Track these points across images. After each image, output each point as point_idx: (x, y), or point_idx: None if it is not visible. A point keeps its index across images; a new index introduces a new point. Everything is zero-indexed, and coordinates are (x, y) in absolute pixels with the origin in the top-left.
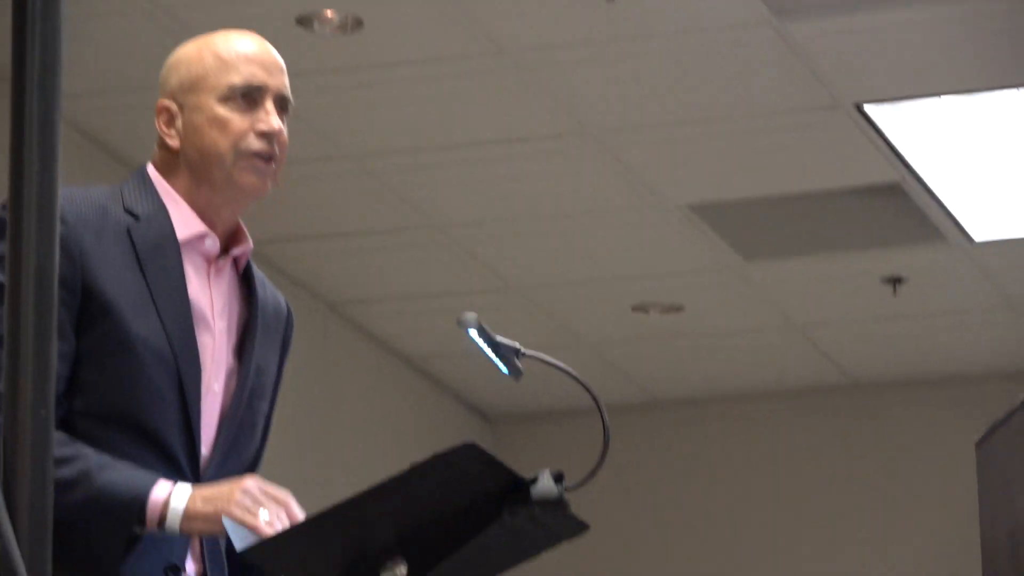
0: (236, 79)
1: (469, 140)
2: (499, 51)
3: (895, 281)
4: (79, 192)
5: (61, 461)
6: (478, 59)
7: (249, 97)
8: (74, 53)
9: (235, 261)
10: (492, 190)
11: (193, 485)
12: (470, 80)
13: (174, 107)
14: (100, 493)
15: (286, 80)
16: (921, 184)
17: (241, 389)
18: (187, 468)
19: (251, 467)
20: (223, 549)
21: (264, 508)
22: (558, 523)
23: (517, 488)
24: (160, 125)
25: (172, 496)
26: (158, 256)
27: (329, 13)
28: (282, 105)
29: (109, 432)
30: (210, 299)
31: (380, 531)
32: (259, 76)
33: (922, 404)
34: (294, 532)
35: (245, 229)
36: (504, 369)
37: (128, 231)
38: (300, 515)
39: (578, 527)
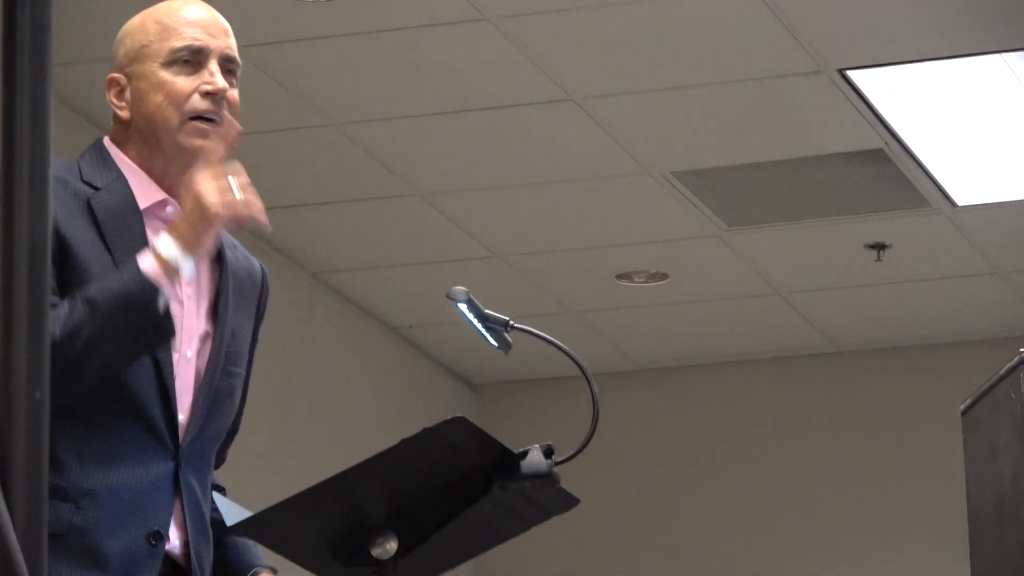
0: (178, 43)
1: (452, 107)
2: (481, 17)
3: (879, 247)
4: None
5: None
6: (461, 26)
7: (193, 60)
8: (60, 23)
9: None
10: (476, 158)
11: (168, 233)
12: (453, 47)
13: (123, 79)
14: (110, 309)
15: (232, 42)
16: (904, 149)
17: (216, 354)
18: (166, 434)
19: (231, 433)
20: (207, 517)
21: (227, 188)
22: (548, 497)
23: (507, 462)
24: (111, 98)
25: (161, 252)
26: (120, 225)
27: None
28: (229, 68)
29: (89, 402)
30: None
31: (370, 506)
32: (201, 39)
33: (906, 370)
34: (284, 507)
35: None
36: (493, 343)
37: (88, 202)
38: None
39: (568, 501)
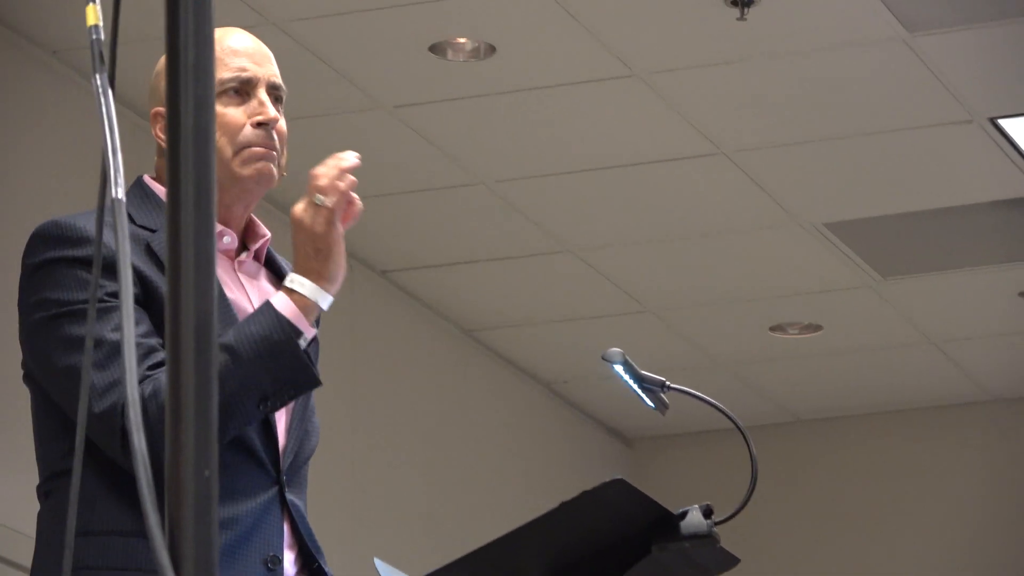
0: (226, 74)
1: (602, 164)
2: (630, 73)
3: None
4: (85, 217)
5: None
6: (610, 82)
7: (242, 90)
8: None
9: (255, 254)
10: (626, 212)
11: (296, 272)
12: (602, 103)
13: None
14: (252, 357)
15: (276, 69)
16: None
17: None
18: (267, 460)
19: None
20: (314, 533)
21: (334, 194)
22: (709, 557)
23: (666, 523)
24: (157, 133)
25: (297, 290)
26: None
27: (462, 40)
28: (276, 95)
29: None
30: (246, 295)
31: (531, 569)
32: (249, 68)
33: None
34: (447, 571)
35: (259, 222)
36: (650, 404)
37: (148, 245)
38: (344, 160)
39: (729, 561)
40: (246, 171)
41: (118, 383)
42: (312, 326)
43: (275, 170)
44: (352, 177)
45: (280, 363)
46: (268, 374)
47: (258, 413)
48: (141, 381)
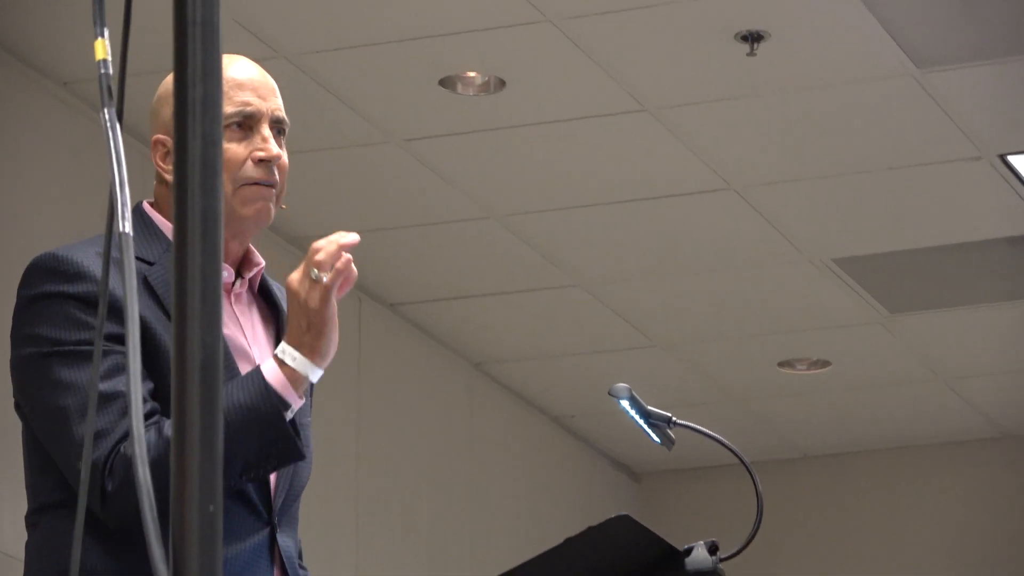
0: (229, 108)
1: (613, 198)
2: (640, 108)
3: None
4: (82, 249)
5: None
6: (620, 116)
7: (244, 124)
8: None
9: (249, 283)
10: (635, 247)
11: (287, 342)
12: (613, 137)
13: (169, 141)
14: (236, 426)
15: (280, 102)
16: None
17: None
18: (259, 501)
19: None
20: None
21: (328, 271)
22: None
23: (672, 559)
24: (156, 160)
25: (287, 362)
26: None
27: (472, 74)
28: (279, 128)
29: None
30: (240, 328)
31: None
32: (253, 102)
33: None
34: None
35: (255, 251)
36: (656, 439)
37: (145, 279)
38: (342, 240)
39: None
40: (245, 210)
41: (101, 436)
42: (300, 397)
43: (273, 209)
44: (349, 256)
45: (265, 435)
46: (253, 444)
47: (239, 482)
48: (124, 437)
